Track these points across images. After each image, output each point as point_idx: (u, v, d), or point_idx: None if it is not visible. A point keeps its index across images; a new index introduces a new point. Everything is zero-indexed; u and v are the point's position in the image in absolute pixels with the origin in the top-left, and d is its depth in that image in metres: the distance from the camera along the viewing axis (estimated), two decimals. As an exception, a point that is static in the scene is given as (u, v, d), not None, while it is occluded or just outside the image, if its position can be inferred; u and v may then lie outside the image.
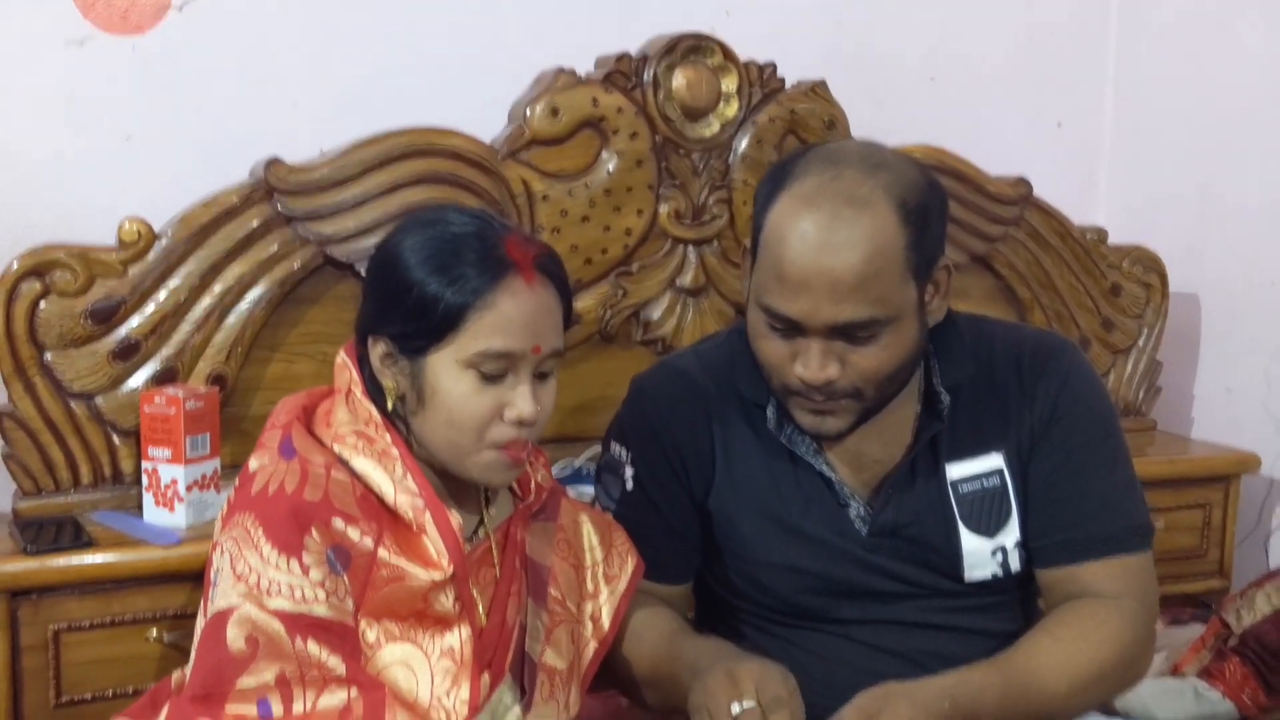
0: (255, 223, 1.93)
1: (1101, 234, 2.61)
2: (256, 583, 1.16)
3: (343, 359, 1.32)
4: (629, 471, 1.53)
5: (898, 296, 1.32)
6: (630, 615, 1.45)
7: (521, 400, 1.23)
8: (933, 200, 1.36)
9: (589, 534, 1.44)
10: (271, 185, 1.92)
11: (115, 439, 1.88)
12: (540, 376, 1.27)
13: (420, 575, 1.22)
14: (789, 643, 1.46)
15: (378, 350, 1.27)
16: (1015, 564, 1.46)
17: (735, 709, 1.17)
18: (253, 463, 1.27)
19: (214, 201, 1.91)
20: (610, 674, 1.46)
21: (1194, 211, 2.71)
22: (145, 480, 1.81)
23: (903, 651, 1.42)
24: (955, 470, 1.45)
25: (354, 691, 1.15)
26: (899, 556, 1.45)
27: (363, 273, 1.96)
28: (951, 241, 2.41)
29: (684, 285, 2.21)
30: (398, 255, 1.25)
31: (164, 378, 1.89)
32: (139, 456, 1.84)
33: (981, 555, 1.45)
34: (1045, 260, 2.54)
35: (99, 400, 1.86)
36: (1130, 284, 2.63)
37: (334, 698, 1.14)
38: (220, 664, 1.14)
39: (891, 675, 1.29)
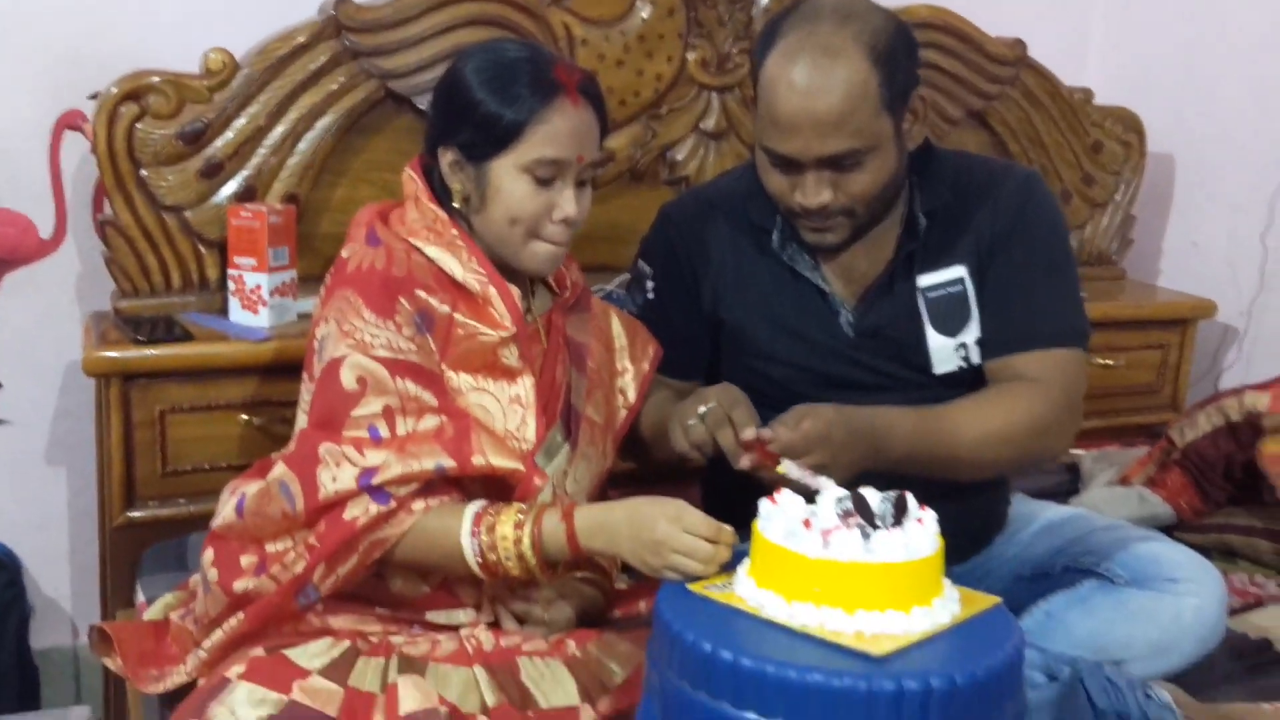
0: (324, 57, 2.12)
1: (1088, 94, 2.82)
2: (361, 339, 1.41)
3: (409, 173, 1.56)
4: (650, 284, 1.82)
5: (875, 128, 1.56)
6: (646, 400, 1.73)
7: (566, 202, 1.49)
8: (900, 41, 1.59)
9: (616, 324, 1.72)
10: (340, 22, 2.11)
11: (202, 249, 2.10)
12: (580, 184, 1.52)
13: (489, 334, 1.48)
14: (788, 428, 1.73)
15: (447, 158, 1.50)
16: (975, 358, 1.71)
17: (701, 409, 1.45)
18: (344, 252, 1.52)
19: (288, 36, 2.10)
20: (631, 452, 1.75)
21: (1178, 77, 2.91)
22: (231, 285, 2.04)
23: None
24: (924, 280, 1.71)
25: (444, 418, 1.42)
26: (880, 354, 1.72)
27: (421, 106, 2.19)
28: (950, 98, 2.64)
29: (707, 129, 2.43)
30: (465, 77, 1.49)
31: (244, 196, 2.10)
32: (223, 265, 2.07)
33: (946, 351, 1.71)
34: (1035, 118, 2.75)
35: (188, 213, 2.08)
36: (1111, 142, 2.84)
37: (429, 422, 1.41)
38: (335, 399, 1.40)
39: None
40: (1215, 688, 1.72)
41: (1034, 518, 1.85)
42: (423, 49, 2.17)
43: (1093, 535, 1.76)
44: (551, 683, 1.34)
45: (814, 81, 1.53)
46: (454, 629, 1.46)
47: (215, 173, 2.08)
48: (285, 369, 1.93)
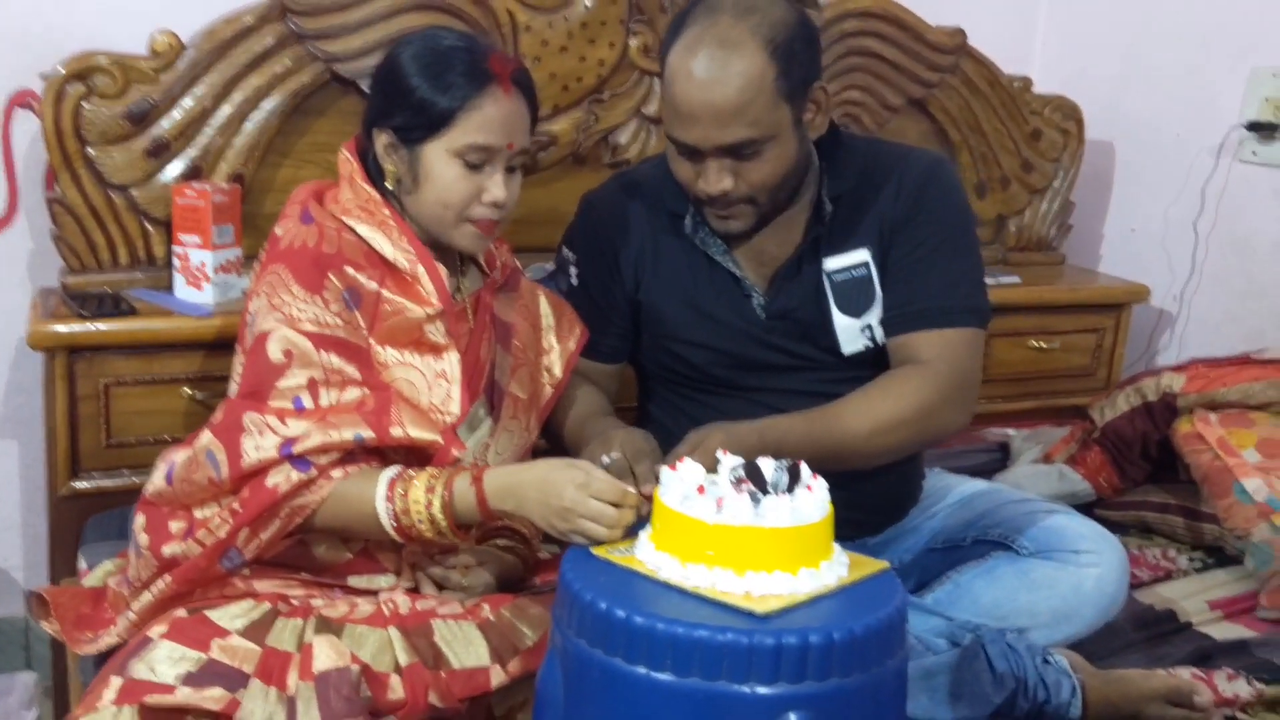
0: (270, 40, 2.16)
1: (1027, 82, 2.88)
2: (289, 313, 1.47)
3: (344, 154, 1.62)
4: (574, 270, 1.88)
5: (772, 118, 1.61)
6: (570, 389, 1.79)
7: (495, 187, 1.55)
8: (799, 34, 1.63)
9: (543, 303, 1.78)
10: (286, 6, 2.15)
11: (148, 226, 2.14)
12: (510, 170, 1.57)
13: (416, 310, 1.54)
14: (704, 406, 1.79)
15: (381, 140, 1.56)
16: (880, 338, 1.77)
17: (605, 460, 1.49)
18: (278, 230, 1.58)
19: (234, 19, 2.14)
20: (546, 430, 1.80)
21: (1116, 66, 2.98)
22: (176, 263, 2.09)
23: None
24: (830, 263, 1.76)
25: (367, 391, 1.48)
26: (790, 335, 1.79)
27: (365, 89, 2.23)
28: (891, 85, 2.69)
29: (648, 114, 2.48)
30: (402, 62, 1.55)
31: (190, 175, 2.14)
32: (169, 242, 2.12)
33: (852, 332, 1.77)
34: (975, 105, 2.82)
35: (134, 192, 2.12)
36: (1050, 130, 2.91)
37: (351, 394, 1.47)
38: (263, 370, 1.46)
39: None
40: (1116, 655, 1.80)
41: (949, 491, 1.92)
42: (367, 33, 2.22)
43: (1003, 509, 1.83)
44: (463, 644, 1.40)
45: (711, 73, 1.58)
46: (374, 594, 1.52)
47: (161, 152, 2.12)
48: (228, 344, 1.93)
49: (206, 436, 1.45)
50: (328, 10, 2.19)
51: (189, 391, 2.03)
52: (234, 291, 2.10)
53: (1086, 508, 2.21)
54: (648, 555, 1.30)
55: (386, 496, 1.43)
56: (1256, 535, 2.02)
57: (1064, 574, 1.72)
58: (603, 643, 1.21)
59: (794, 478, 1.30)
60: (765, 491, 1.27)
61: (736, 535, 1.24)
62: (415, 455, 1.50)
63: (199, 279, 2.07)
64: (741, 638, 1.16)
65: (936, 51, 2.73)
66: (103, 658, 1.53)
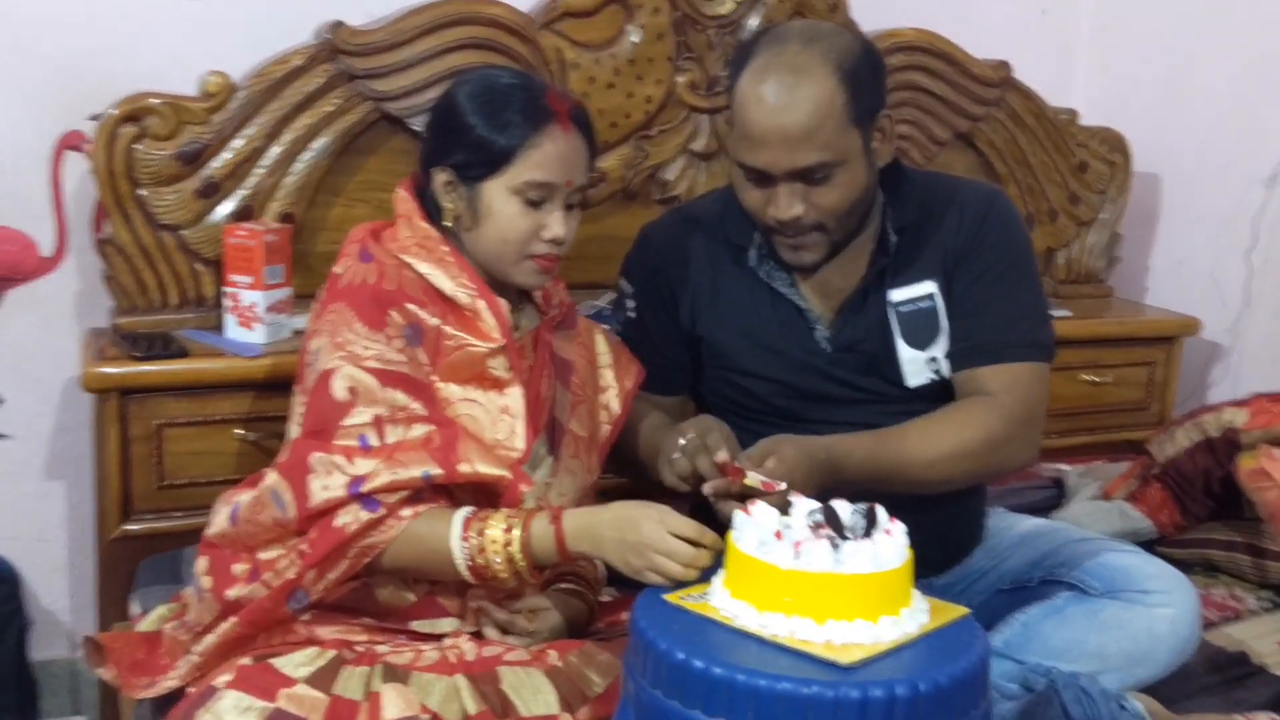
0: (320, 80, 2.17)
1: (1073, 114, 2.86)
2: (353, 350, 1.46)
3: (400, 192, 1.61)
4: (630, 304, 1.87)
5: (842, 142, 1.61)
6: (634, 419, 1.77)
7: (555, 223, 1.54)
8: (865, 61, 1.64)
9: (600, 342, 1.77)
10: (336, 46, 2.16)
11: (198, 267, 2.14)
12: (569, 207, 1.57)
13: (478, 345, 1.52)
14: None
15: (440, 178, 1.56)
16: (945, 371, 1.75)
17: (681, 441, 1.50)
18: (337, 269, 1.57)
19: (284, 59, 2.15)
20: (619, 462, 1.79)
21: (1161, 97, 2.95)
22: (227, 303, 2.08)
23: None
24: (896, 294, 1.75)
25: (433, 427, 1.46)
26: (855, 368, 1.77)
27: (415, 128, 2.24)
28: (937, 119, 2.68)
29: (697, 150, 2.47)
30: (460, 101, 1.55)
31: (241, 215, 2.14)
32: (219, 283, 2.12)
33: (918, 364, 1.75)
34: (1021, 138, 2.80)
35: (185, 232, 2.12)
36: (1096, 162, 2.89)
37: (417, 431, 1.45)
38: (327, 409, 1.45)
39: None
40: (1191, 699, 1.75)
41: (1011, 531, 1.89)
42: (416, 72, 2.22)
43: (1068, 547, 1.79)
44: (531, 691, 1.38)
45: (782, 97, 1.59)
46: (438, 638, 1.50)
47: (212, 192, 2.13)
48: (280, 385, 1.95)
49: (272, 477, 1.44)
50: (377, 50, 2.20)
51: (240, 432, 2.02)
52: (284, 331, 2.10)
53: (1148, 545, 2.16)
54: (722, 602, 1.27)
55: (462, 535, 1.41)
56: (1327, 574, 1.98)
57: (1134, 615, 1.68)
58: (680, 694, 1.18)
59: (870, 521, 1.27)
60: (844, 536, 1.24)
61: (816, 582, 1.21)
62: (482, 493, 1.49)
63: (250, 319, 2.07)
64: (826, 690, 1.13)
65: (982, 84, 2.71)
66: (158, 703, 1.51)
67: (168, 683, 1.50)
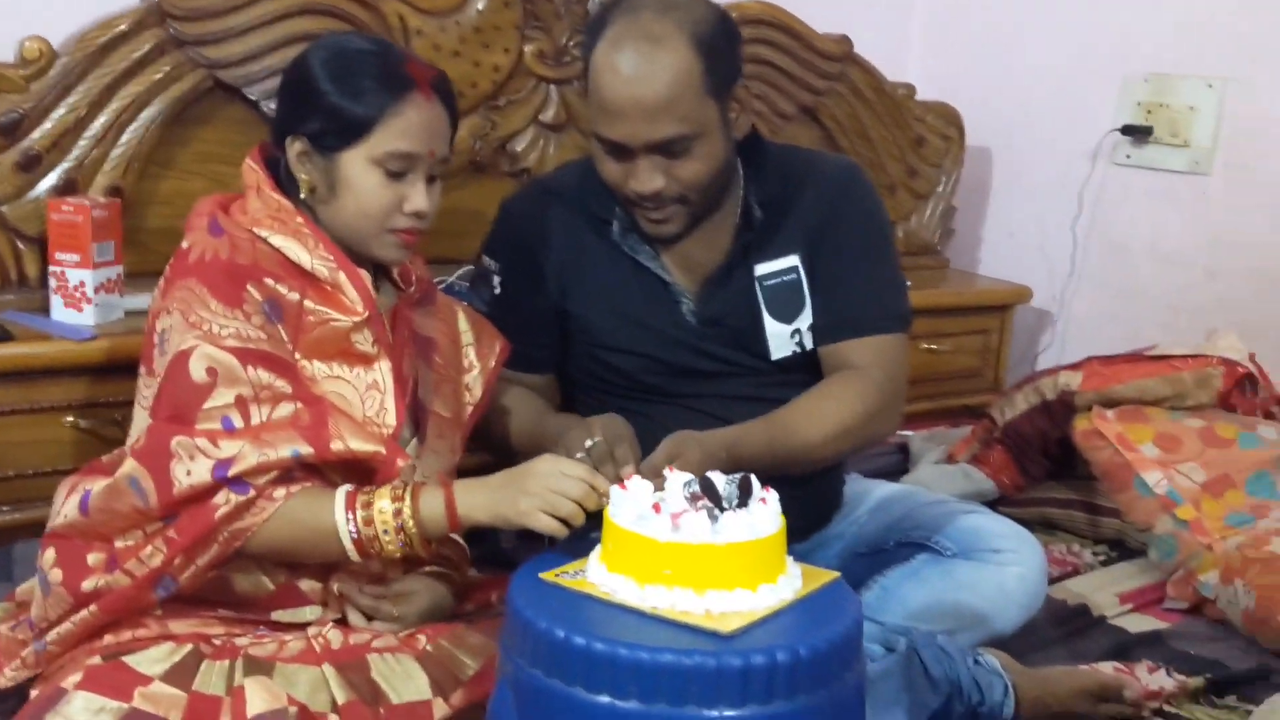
0: (148, 46, 2.04)
1: (910, 89, 2.93)
2: (209, 329, 1.38)
3: (249, 163, 1.53)
4: (496, 279, 1.82)
5: (700, 114, 1.60)
6: (503, 395, 1.74)
7: (417, 196, 1.49)
8: (722, 30, 1.64)
9: (462, 319, 1.72)
10: (164, 10, 2.04)
11: (20, 245, 2.00)
12: (430, 180, 1.52)
13: (341, 319, 1.46)
14: (636, 414, 1.72)
15: (295, 148, 1.49)
16: (808, 344, 1.78)
17: (587, 443, 1.47)
18: (185, 243, 1.48)
19: (109, 24, 2.02)
20: (487, 442, 1.76)
21: (993, 73, 3.05)
22: (53, 283, 1.95)
23: (726, 419, 1.73)
24: (761, 268, 1.76)
25: (300, 404, 1.40)
26: (721, 341, 1.77)
27: (252, 96, 2.14)
28: (783, 93, 2.71)
29: (546, 121, 2.43)
30: (315, 68, 1.47)
31: (65, 189, 2.01)
32: (43, 262, 1.98)
33: (782, 338, 1.77)
34: (862, 113, 2.85)
35: (4, 208, 1.97)
36: (933, 136, 2.96)
37: (284, 410, 1.39)
38: (185, 392, 1.36)
39: None
40: (1038, 652, 1.83)
41: (867, 495, 1.93)
42: (251, 38, 2.12)
43: (921, 510, 1.85)
44: (403, 678, 1.34)
45: (639, 68, 1.57)
46: (301, 628, 1.44)
47: (33, 165, 1.98)
48: (114, 369, 1.86)
49: (130, 464, 1.35)
50: (208, 15, 2.09)
51: (72, 420, 1.90)
52: (117, 312, 1.98)
53: (991, 505, 2.23)
54: (600, 577, 1.26)
55: (347, 509, 1.36)
56: (1159, 528, 2.09)
57: (987, 573, 1.74)
58: (561, 672, 1.16)
59: (746, 491, 1.27)
60: (721, 507, 1.24)
61: (695, 553, 1.21)
62: (355, 472, 1.43)
63: (78, 300, 1.94)
64: (709, 659, 1.13)
65: (825, 59, 2.75)
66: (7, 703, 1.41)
67: (10, 672, 1.40)
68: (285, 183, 1.50)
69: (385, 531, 1.37)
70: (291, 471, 1.38)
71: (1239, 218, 2.61)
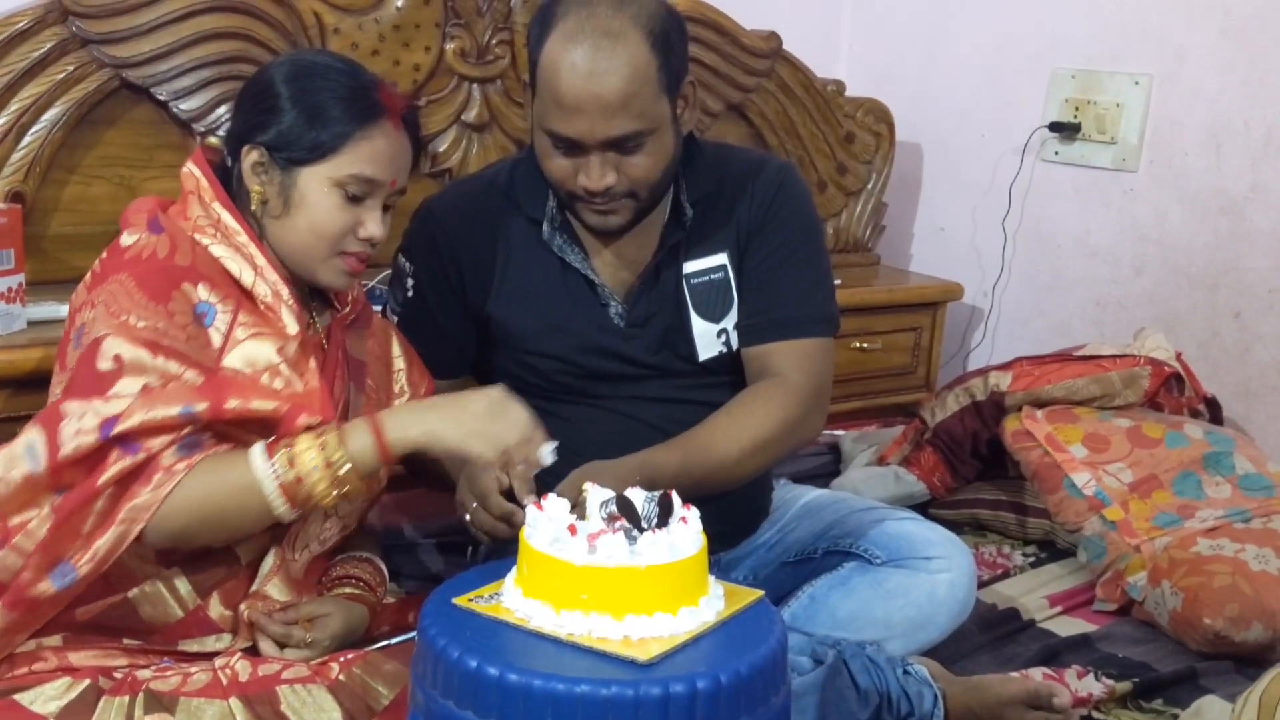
0: (49, 44, 1.97)
1: (840, 86, 2.91)
2: (125, 320, 1.32)
3: (190, 169, 1.47)
4: (410, 281, 1.78)
5: (654, 110, 1.57)
6: None
7: (372, 222, 1.45)
8: (674, 26, 1.61)
9: (396, 345, 1.66)
10: (66, 7, 1.97)
11: (-86, 253, 1.92)
12: (385, 208, 1.48)
13: (271, 339, 1.40)
14: (556, 416, 1.69)
15: (251, 158, 1.43)
16: (734, 344, 1.75)
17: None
18: (124, 239, 1.42)
19: (7, 21, 1.94)
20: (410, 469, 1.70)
21: (922, 69, 3.05)
22: (-50, 293, 1.87)
23: (649, 421, 1.71)
24: (689, 267, 1.73)
25: (202, 379, 1.33)
26: (648, 343, 1.74)
27: (161, 96, 2.07)
28: (710, 90, 2.67)
29: (469, 120, 2.38)
30: (278, 79, 1.43)
31: (-39, 195, 1.94)
32: (-61, 270, 1.90)
33: (709, 338, 1.74)
34: (791, 110, 2.82)
35: (-104, 215, 1.89)
36: (863, 133, 2.95)
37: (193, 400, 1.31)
38: (90, 379, 1.30)
39: (640, 441, 1.61)
40: (967, 658, 1.82)
41: (795, 502, 1.91)
42: (159, 35, 2.05)
43: (851, 517, 1.82)
44: (314, 710, 1.28)
45: (597, 64, 1.52)
46: (208, 658, 1.38)
47: (-73, 170, 1.91)
48: (15, 383, 1.79)
49: (30, 432, 1.29)
50: (113, 12, 2.02)
51: (-29, 436, 1.82)
52: (18, 322, 1.90)
53: (922, 508, 2.24)
54: (515, 603, 1.21)
55: (265, 455, 1.31)
56: (1088, 529, 2.08)
57: (917, 581, 1.72)
58: (474, 704, 1.11)
59: (666, 510, 1.23)
60: (640, 528, 1.20)
61: (613, 577, 1.17)
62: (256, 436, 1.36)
63: (-23, 310, 1.86)
64: (626, 690, 1.09)
65: (753, 56, 2.72)
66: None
67: None
68: (235, 191, 1.45)
69: (315, 469, 1.31)
70: (194, 442, 1.31)
71: (1164, 215, 2.62)
